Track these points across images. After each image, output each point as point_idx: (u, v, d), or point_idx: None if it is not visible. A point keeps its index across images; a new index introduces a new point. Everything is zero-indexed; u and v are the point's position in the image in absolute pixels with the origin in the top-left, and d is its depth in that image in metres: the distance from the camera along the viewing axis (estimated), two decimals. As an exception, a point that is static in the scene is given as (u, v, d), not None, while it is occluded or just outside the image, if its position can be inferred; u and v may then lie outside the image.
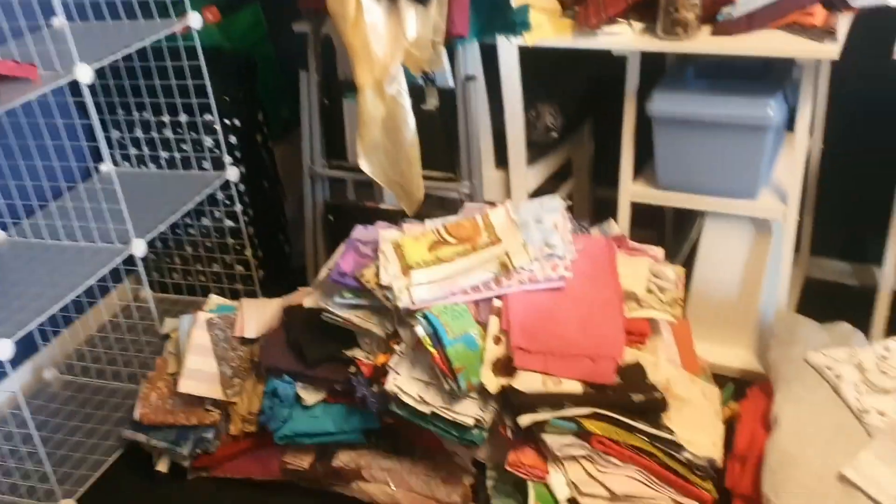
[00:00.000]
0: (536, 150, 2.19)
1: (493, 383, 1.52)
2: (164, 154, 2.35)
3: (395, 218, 2.02)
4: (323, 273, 1.90)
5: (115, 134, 2.37)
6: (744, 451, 1.51)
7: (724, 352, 2.06)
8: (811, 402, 1.48)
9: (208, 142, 2.29)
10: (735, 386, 1.86)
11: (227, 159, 2.26)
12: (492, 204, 1.82)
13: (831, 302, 2.31)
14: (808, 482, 1.33)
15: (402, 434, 1.76)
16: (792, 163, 1.86)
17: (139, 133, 2.34)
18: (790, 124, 1.87)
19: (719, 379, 1.91)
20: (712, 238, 2.04)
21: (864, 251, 2.36)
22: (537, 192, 2.17)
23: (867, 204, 2.28)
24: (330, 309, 1.73)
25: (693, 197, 1.97)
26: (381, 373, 1.64)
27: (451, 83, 2.00)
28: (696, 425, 1.56)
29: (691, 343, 1.84)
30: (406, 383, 1.59)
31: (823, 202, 2.30)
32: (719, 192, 1.93)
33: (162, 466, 1.91)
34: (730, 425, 1.66)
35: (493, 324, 1.59)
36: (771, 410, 1.52)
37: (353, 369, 1.71)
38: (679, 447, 1.46)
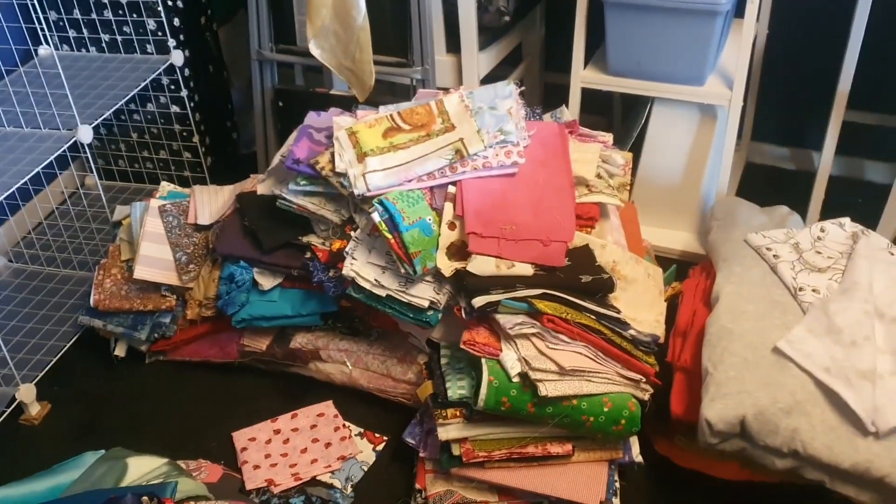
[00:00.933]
0: (488, 34, 2.16)
1: (447, 267, 1.57)
2: (105, 36, 2.25)
3: (346, 104, 2.00)
4: (276, 160, 1.89)
5: (52, 15, 2.25)
6: (685, 327, 1.59)
7: (667, 234, 2.15)
8: (750, 280, 1.56)
9: (151, 24, 2.20)
10: (677, 267, 1.95)
11: (172, 42, 2.18)
12: (445, 90, 1.81)
13: (770, 186, 2.40)
14: (744, 353, 1.42)
15: (358, 317, 1.81)
16: (739, 49, 1.88)
17: (77, 14, 2.23)
18: (738, 10, 1.89)
19: (662, 260, 2.00)
20: (660, 124, 2.08)
21: (802, 137, 2.44)
22: (488, 78, 2.16)
23: (808, 91, 2.34)
24: (285, 196, 1.73)
25: (643, 83, 1.99)
26: (336, 258, 1.67)
27: (402, -37, 1.95)
28: (641, 304, 1.64)
29: (637, 226, 1.91)
30: (363, 268, 1.62)
31: (765, 89, 2.35)
32: (668, 78, 1.96)
33: (119, 351, 1.94)
34: (671, 304, 1.75)
35: (448, 209, 1.62)
36: (712, 289, 1.60)
37: (308, 255, 1.73)
38: (624, 324, 1.54)
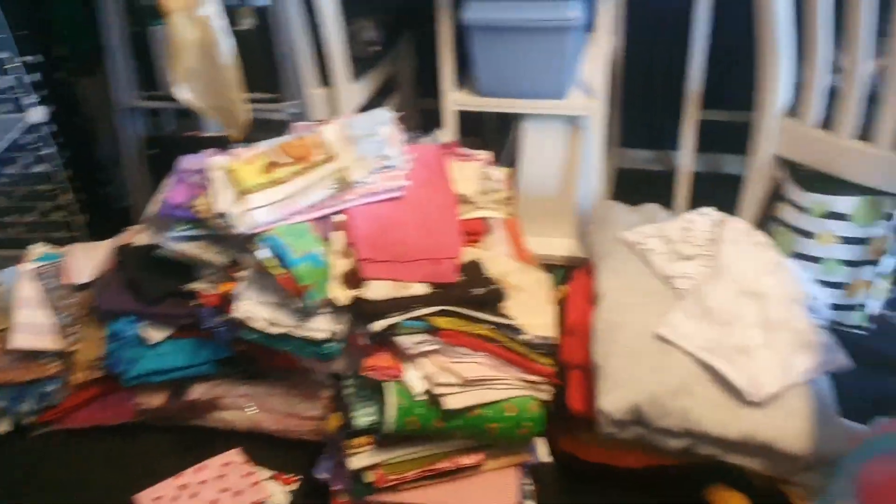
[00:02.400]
0: (360, 64, 2.20)
1: (343, 296, 1.57)
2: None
3: (221, 145, 1.98)
4: (152, 208, 1.85)
5: None
6: (573, 325, 1.66)
7: (551, 242, 2.23)
8: (627, 274, 1.65)
9: (8, 82, 2.11)
10: (563, 271, 2.03)
11: (30, 99, 2.10)
12: (322, 122, 1.83)
13: (641, 188, 2.52)
14: (630, 343, 1.50)
15: (256, 359, 1.78)
16: (596, 61, 1.99)
17: (-82, 77, 2.12)
18: (593, 25, 2.00)
19: (549, 267, 2.06)
20: (531, 139, 2.16)
21: (665, 139, 2.59)
22: (364, 108, 2.19)
23: (665, 95, 2.49)
24: (165, 244, 1.69)
25: (511, 101, 2.08)
26: (226, 302, 1.64)
27: (263, 1, 1.96)
28: (532, 309, 1.69)
29: (521, 237, 1.97)
30: (254, 308, 1.60)
31: (627, 97, 2.49)
32: (533, 95, 2.04)
33: (3, 427, 1.83)
34: (561, 306, 1.81)
35: (337, 238, 1.63)
36: (594, 287, 1.67)
37: (196, 302, 1.70)
38: (519, 331, 1.58)
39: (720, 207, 1.86)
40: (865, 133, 1.73)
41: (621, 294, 1.60)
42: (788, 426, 1.39)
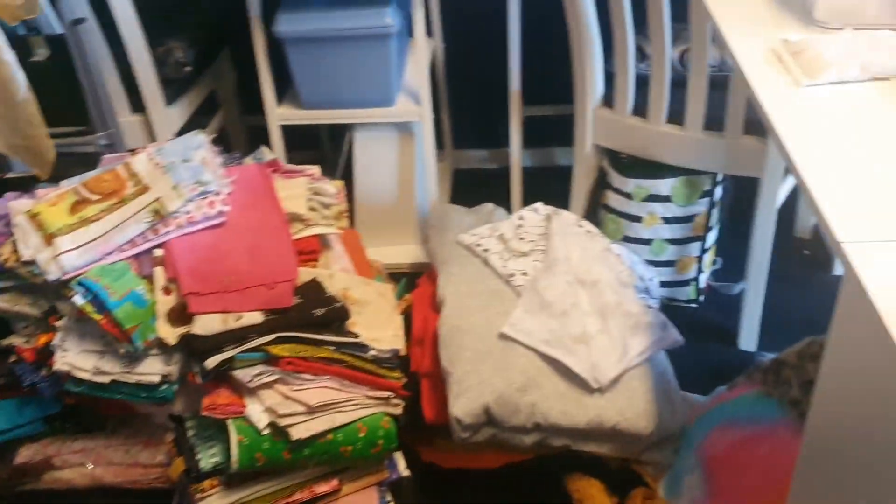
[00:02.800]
0: (174, 87, 2.10)
1: (171, 334, 1.48)
2: None
3: (28, 185, 1.83)
4: (-49, 262, 1.68)
5: None
6: (420, 334, 1.65)
7: (395, 251, 2.21)
8: (467, 277, 1.66)
9: None
10: (409, 279, 2.01)
11: None
12: (133, 152, 1.73)
13: (478, 187, 2.55)
14: (475, 346, 1.50)
15: (87, 410, 1.66)
16: (418, 66, 1.99)
17: None
18: (412, 29, 2.00)
19: (396, 276, 2.05)
20: (363, 148, 2.14)
21: (496, 137, 2.63)
22: (186, 130, 2.09)
23: (491, 94, 2.53)
24: (-32, 300, 1.54)
25: (337, 112, 2.04)
26: (46, 354, 1.52)
27: (57, 29, 1.83)
28: (378, 323, 1.66)
29: (361, 250, 1.94)
30: (77, 358, 1.49)
31: (455, 99, 2.51)
32: (360, 104, 2.02)
33: None
34: (407, 316, 1.79)
35: (159, 275, 1.53)
36: (437, 293, 1.67)
37: (13, 358, 1.56)
38: (364, 347, 1.54)
39: (557, 200, 1.90)
40: (676, 117, 1.82)
41: (463, 298, 1.60)
42: (631, 408, 1.43)
